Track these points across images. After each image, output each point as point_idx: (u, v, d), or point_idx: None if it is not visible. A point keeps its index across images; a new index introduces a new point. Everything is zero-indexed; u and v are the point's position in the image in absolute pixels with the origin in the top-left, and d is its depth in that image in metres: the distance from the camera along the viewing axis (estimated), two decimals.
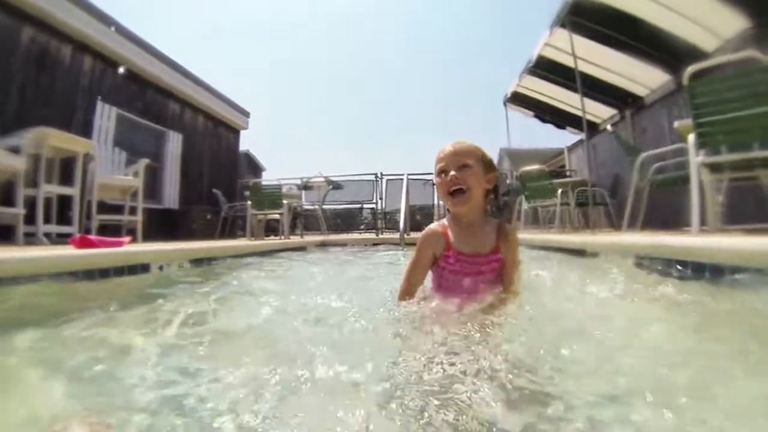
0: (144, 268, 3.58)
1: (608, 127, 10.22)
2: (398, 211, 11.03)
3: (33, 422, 0.98)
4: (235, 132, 14.99)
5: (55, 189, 6.11)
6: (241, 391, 1.12)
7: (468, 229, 2.09)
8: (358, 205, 14.66)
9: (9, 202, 5.41)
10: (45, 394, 1.11)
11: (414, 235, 8.89)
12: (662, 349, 1.39)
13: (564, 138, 13.83)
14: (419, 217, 13.78)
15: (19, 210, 5.40)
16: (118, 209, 7.66)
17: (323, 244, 8.83)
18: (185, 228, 10.56)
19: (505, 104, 12.21)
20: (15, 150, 5.49)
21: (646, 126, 9.15)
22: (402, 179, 11.06)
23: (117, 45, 9.10)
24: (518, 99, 12.02)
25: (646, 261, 2.95)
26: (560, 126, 12.67)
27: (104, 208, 7.27)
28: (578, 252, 4.23)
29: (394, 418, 0.97)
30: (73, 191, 6.20)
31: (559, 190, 7.90)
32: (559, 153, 15.66)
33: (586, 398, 1.05)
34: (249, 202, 9.30)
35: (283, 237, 9.43)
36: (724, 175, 4.13)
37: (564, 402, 1.01)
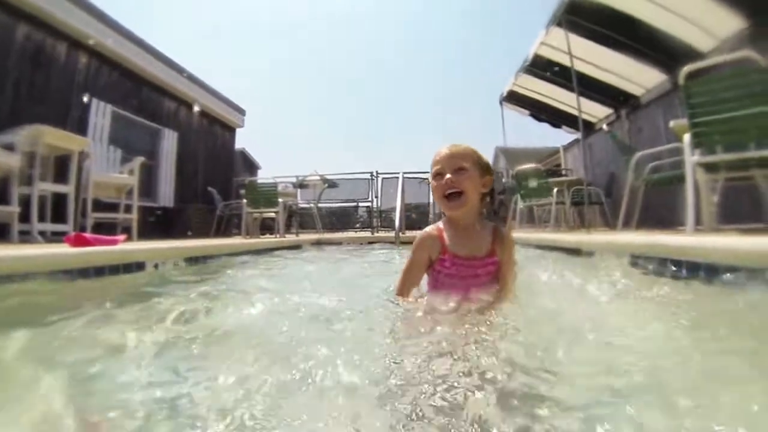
0: (139, 266, 3.57)
1: (604, 126, 10.23)
2: (394, 209, 11.04)
3: (30, 422, 0.97)
4: (230, 130, 14.96)
5: (50, 187, 6.09)
6: (234, 390, 1.12)
7: (464, 232, 2.08)
8: (354, 204, 14.65)
9: (4, 200, 5.40)
10: (38, 392, 1.10)
11: (409, 233, 8.90)
12: (657, 349, 1.39)
13: (560, 137, 13.87)
14: (415, 215, 13.79)
15: (14, 208, 5.38)
16: (113, 207, 7.62)
17: (319, 243, 8.82)
18: (180, 226, 10.52)
19: (501, 103, 12.19)
20: (9, 147, 5.46)
21: (642, 125, 9.17)
22: (398, 177, 11.06)
23: (112, 42, 9.06)
24: (514, 98, 12.01)
25: (641, 260, 2.96)
26: (556, 125, 12.68)
27: (99, 206, 7.23)
28: (574, 251, 4.24)
29: (388, 418, 0.97)
30: (68, 189, 6.18)
31: (555, 189, 7.91)
32: (555, 152, 15.68)
33: (580, 399, 1.05)
34: (244, 201, 9.26)
35: (278, 235, 9.40)
36: (720, 174, 4.14)
37: (559, 403, 1.01)
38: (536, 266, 3.26)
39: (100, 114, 8.81)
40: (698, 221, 3.91)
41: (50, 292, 2.55)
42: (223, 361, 1.36)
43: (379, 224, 13.26)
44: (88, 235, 4.46)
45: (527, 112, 12.69)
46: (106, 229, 7.08)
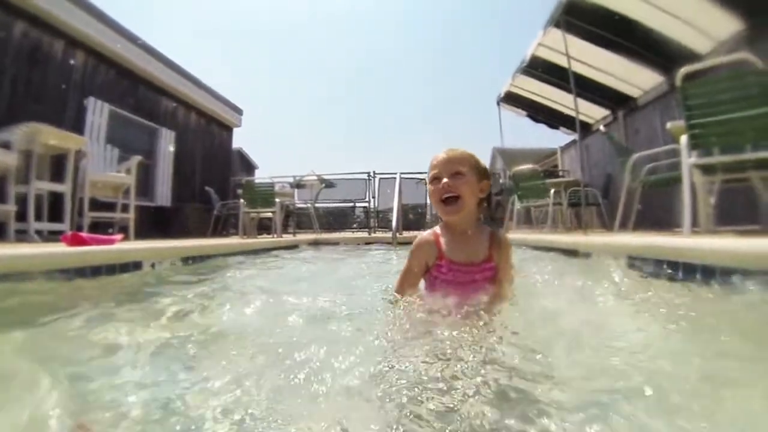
0: (136, 265, 3.56)
1: (601, 127, 10.26)
2: (391, 209, 11.03)
3: (25, 422, 0.97)
4: (228, 129, 14.93)
5: (47, 186, 6.06)
6: (229, 391, 1.12)
7: (461, 238, 2.07)
8: (351, 204, 14.60)
9: (0, 198, 5.38)
10: (33, 392, 1.10)
11: (406, 234, 8.90)
12: (654, 351, 1.39)
13: (557, 138, 13.88)
14: (412, 216, 13.80)
15: (11, 207, 5.36)
16: (110, 206, 7.60)
17: (316, 243, 8.80)
18: (177, 226, 10.51)
19: (498, 104, 12.19)
20: (6, 146, 5.44)
21: (639, 127, 9.19)
22: (395, 178, 11.06)
23: (110, 41, 9.05)
24: (511, 99, 12.00)
25: (638, 262, 2.96)
26: (553, 126, 12.69)
27: (96, 205, 7.22)
28: (571, 252, 4.25)
29: (384, 420, 0.97)
30: (64, 188, 6.15)
31: (552, 190, 7.91)
32: (552, 153, 15.71)
33: (578, 402, 1.05)
34: (241, 200, 9.27)
35: (275, 235, 9.41)
36: (716, 176, 4.15)
37: (555, 405, 1.01)
38: (533, 267, 3.26)
39: (97, 113, 8.79)
40: (695, 223, 3.92)
41: (47, 292, 2.54)
42: (219, 361, 1.36)
43: (376, 225, 13.25)
44: (84, 234, 4.45)
45: (524, 113, 12.68)
46: (103, 228, 7.07)
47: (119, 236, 5.07)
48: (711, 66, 4.55)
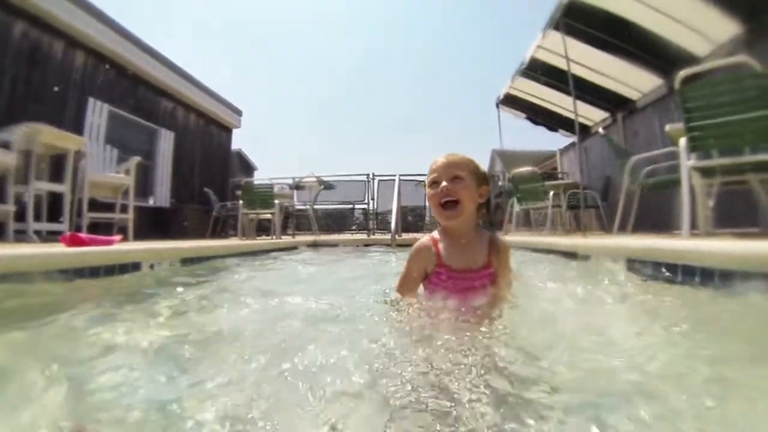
0: (135, 266, 3.56)
1: (600, 130, 10.26)
2: (390, 211, 11.03)
3: (24, 425, 0.97)
4: (227, 130, 14.93)
5: (46, 186, 6.07)
6: (226, 392, 1.12)
7: (459, 243, 2.05)
8: (350, 206, 14.59)
9: None
10: (32, 393, 1.10)
11: (405, 236, 8.91)
12: (652, 353, 1.39)
13: (556, 140, 13.89)
14: (411, 218, 13.80)
15: (10, 207, 5.36)
16: (109, 207, 7.60)
17: (315, 245, 8.80)
18: (176, 226, 10.50)
19: (497, 106, 12.20)
20: (5, 145, 5.45)
21: (638, 129, 9.21)
22: (394, 180, 11.06)
23: (110, 41, 9.05)
24: (510, 101, 12.01)
25: (637, 264, 2.96)
26: (552, 128, 12.71)
27: (95, 205, 7.21)
28: (570, 255, 4.24)
29: (381, 422, 0.97)
30: (63, 188, 6.15)
31: (551, 193, 7.92)
32: (552, 155, 15.73)
33: (576, 403, 1.05)
34: (240, 202, 9.26)
35: (274, 237, 9.41)
36: (715, 179, 4.16)
37: (553, 407, 1.01)
38: (532, 270, 3.26)
39: (97, 113, 8.78)
40: (694, 225, 3.93)
41: (45, 292, 2.54)
42: (218, 362, 1.36)
43: (375, 226, 13.23)
44: (83, 234, 4.44)
45: (524, 115, 12.69)
46: (102, 229, 7.06)
47: (118, 237, 5.07)
48: (710, 69, 4.56)
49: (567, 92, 8.62)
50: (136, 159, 7.96)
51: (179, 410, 1.04)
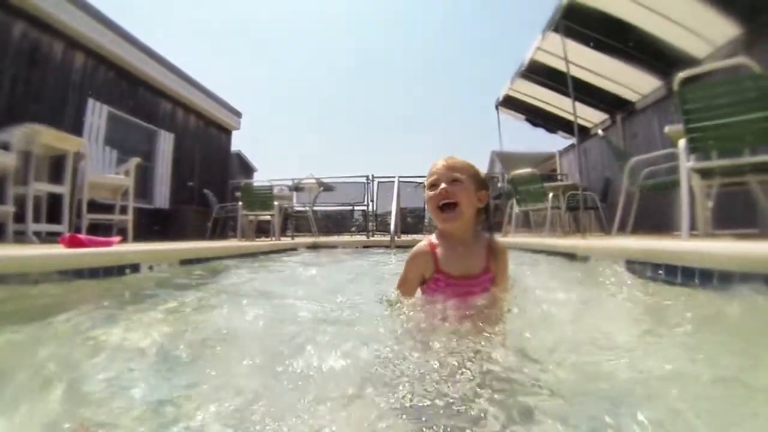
0: (134, 268, 3.56)
1: (599, 131, 10.27)
2: (389, 213, 11.03)
3: (24, 425, 0.97)
4: (226, 132, 14.94)
5: (45, 187, 6.07)
6: (227, 393, 1.12)
7: (457, 248, 2.02)
8: (350, 207, 14.61)
9: None
10: (31, 394, 1.10)
11: (405, 237, 8.91)
12: (651, 354, 1.39)
13: (556, 142, 13.89)
14: (410, 219, 13.80)
15: (9, 208, 5.36)
16: (108, 208, 7.61)
17: (314, 246, 8.80)
18: (176, 228, 10.50)
19: (497, 107, 12.20)
20: (5, 146, 5.45)
21: (637, 131, 9.22)
22: (393, 182, 11.06)
23: (109, 42, 9.05)
24: (510, 102, 12.00)
25: (636, 265, 2.96)
26: (551, 130, 12.71)
27: (95, 207, 7.22)
28: (569, 256, 4.25)
29: (380, 423, 0.97)
30: (63, 189, 6.15)
31: (550, 194, 7.93)
32: (551, 157, 15.73)
33: (575, 405, 1.05)
34: (240, 203, 9.27)
35: (273, 238, 9.40)
36: (714, 180, 4.17)
37: (552, 410, 1.01)
38: (531, 271, 3.26)
39: (96, 114, 8.79)
40: (693, 226, 3.93)
41: (44, 293, 2.54)
42: (217, 363, 1.36)
43: (375, 228, 13.23)
44: (82, 236, 4.44)
45: (523, 117, 12.69)
46: (101, 230, 7.07)
47: (117, 238, 5.07)
48: (709, 70, 4.57)
49: (566, 94, 8.62)
50: (135, 160, 7.97)
51: (178, 411, 1.04)
